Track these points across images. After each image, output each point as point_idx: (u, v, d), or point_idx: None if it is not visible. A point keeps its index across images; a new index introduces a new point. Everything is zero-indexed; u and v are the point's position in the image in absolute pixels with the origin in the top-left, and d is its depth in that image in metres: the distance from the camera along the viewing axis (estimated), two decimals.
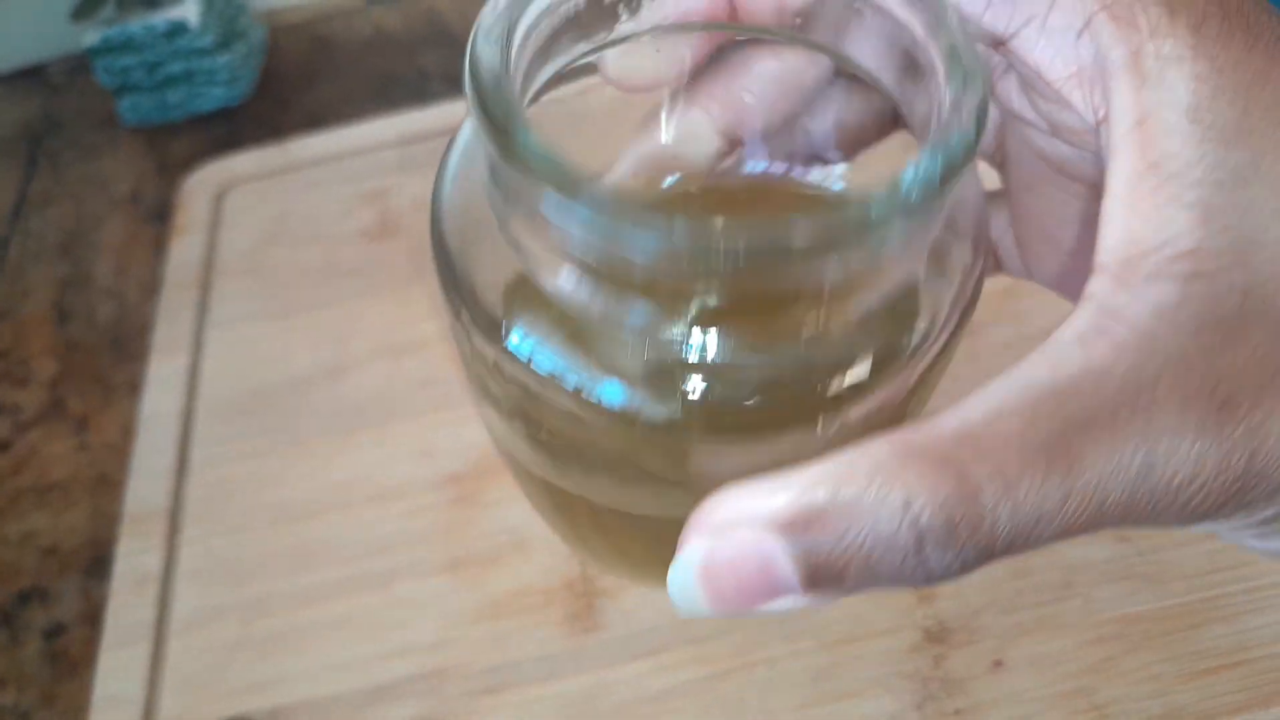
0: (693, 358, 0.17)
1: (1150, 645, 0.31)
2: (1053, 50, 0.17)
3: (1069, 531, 0.15)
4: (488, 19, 0.17)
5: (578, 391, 0.17)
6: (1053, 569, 0.33)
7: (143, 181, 0.55)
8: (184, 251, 0.49)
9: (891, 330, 0.18)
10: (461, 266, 0.19)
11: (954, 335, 0.19)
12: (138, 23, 0.54)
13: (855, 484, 0.14)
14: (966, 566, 0.14)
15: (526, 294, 0.17)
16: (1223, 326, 0.15)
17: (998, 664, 0.31)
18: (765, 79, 0.20)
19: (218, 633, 0.36)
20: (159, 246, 0.50)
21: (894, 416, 0.19)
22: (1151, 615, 0.31)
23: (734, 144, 0.21)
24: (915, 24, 0.17)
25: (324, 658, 0.35)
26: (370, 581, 0.36)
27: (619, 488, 0.21)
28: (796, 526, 0.14)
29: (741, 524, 0.14)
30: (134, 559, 0.38)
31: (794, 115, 0.21)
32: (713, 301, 0.16)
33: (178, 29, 0.54)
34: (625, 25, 0.19)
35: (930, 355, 0.18)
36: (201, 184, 0.51)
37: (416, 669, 0.34)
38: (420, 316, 0.44)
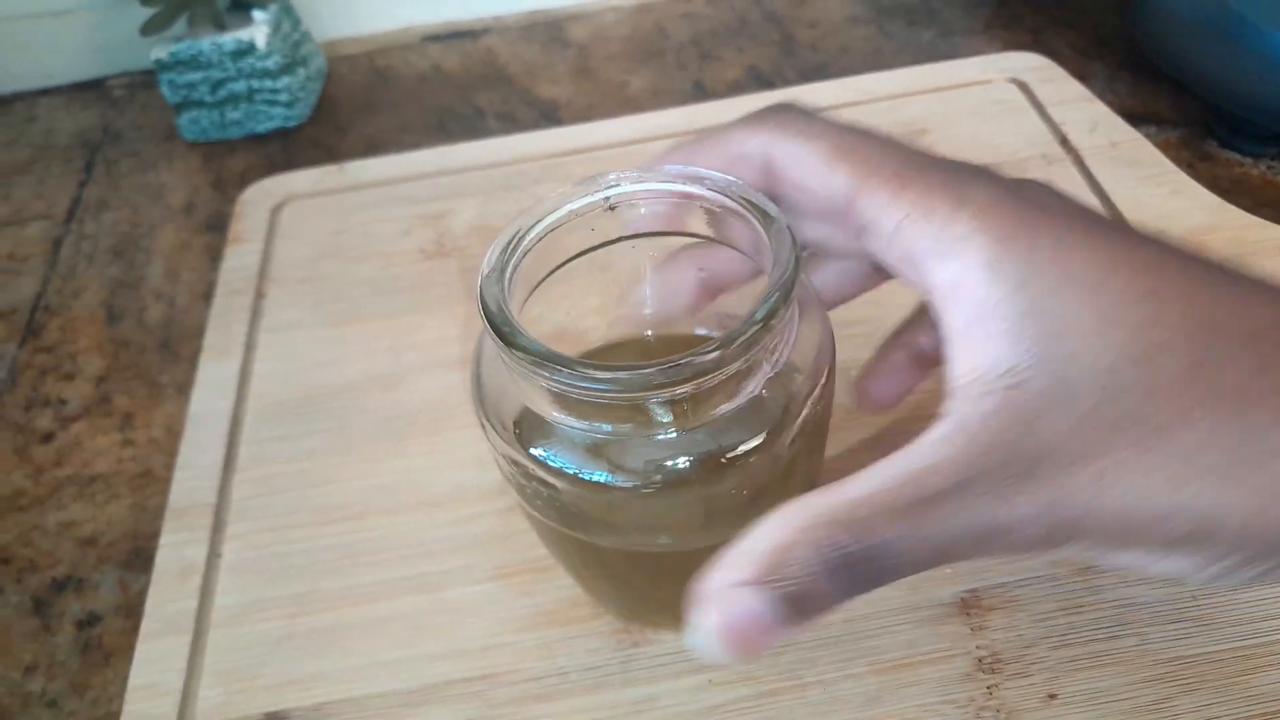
0: (639, 447, 0.27)
1: (1205, 687, 0.31)
2: (881, 246, 0.25)
3: (928, 564, 0.22)
4: (487, 265, 0.27)
5: (574, 474, 0.27)
6: (1106, 606, 0.33)
7: (197, 193, 0.56)
8: (239, 258, 0.49)
9: (762, 418, 0.27)
10: (490, 397, 0.28)
11: (811, 422, 0.28)
12: (206, 40, 0.55)
13: (794, 545, 0.21)
14: (865, 586, 0.22)
15: (530, 420, 0.27)
16: (1027, 419, 0.21)
17: (1052, 697, 0.31)
18: (714, 261, 0.31)
19: (260, 627, 0.35)
20: (211, 255, 0.51)
21: (785, 473, 0.28)
22: (1205, 658, 0.31)
23: (691, 308, 0.32)
24: (759, 228, 0.27)
25: (369, 657, 0.34)
26: (418, 584, 0.36)
27: (609, 532, 0.29)
28: (763, 581, 0.21)
29: (727, 592, 0.22)
30: (177, 550, 0.38)
31: (721, 289, 0.31)
32: (647, 412, 0.26)
33: (245, 49, 0.56)
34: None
35: (793, 433, 0.27)
36: (260, 195, 0.52)
37: (463, 672, 0.34)
38: (473, 334, 0.44)
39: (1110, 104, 0.52)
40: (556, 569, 0.36)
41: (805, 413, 0.27)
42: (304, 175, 0.54)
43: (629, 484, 0.27)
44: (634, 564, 0.31)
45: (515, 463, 0.28)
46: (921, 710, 0.31)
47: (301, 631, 0.35)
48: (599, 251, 0.31)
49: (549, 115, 0.60)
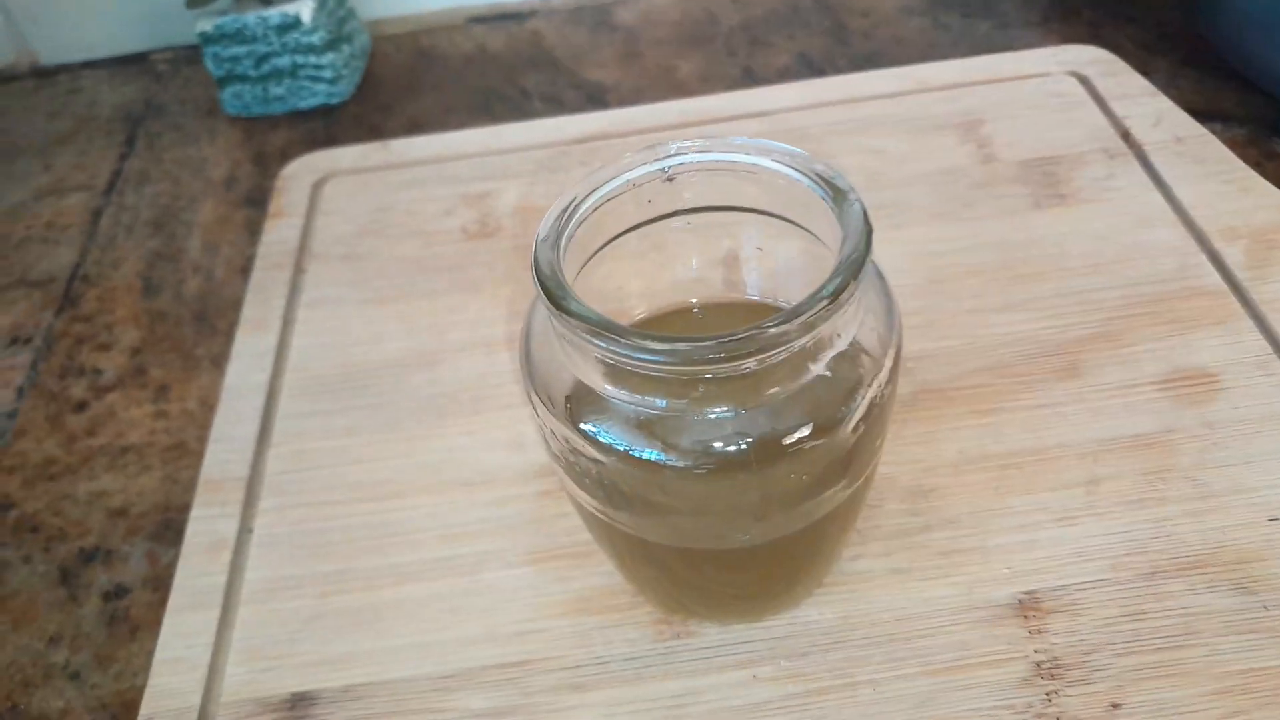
0: (694, 426, 0.25)
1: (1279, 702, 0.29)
2: None
3: None
4: (543, 230, 0.26)
5: (625, 451, 0.26)
6: (1172, 614, 0.31)
7: (238, 168, 0.55)
8: (279, 233, 0.49)
9: (823, 403, 0.26)
10: (540, 370, 0.27)
11: (873, 410, 0.26)
12: (252, 14, 0.55)
13: None
14: None
15: (581, 394, 0.26)
16: None
17: (1115, 707, 0.30)
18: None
19: (291, 604, 0.35)
20: (251, 230, 0.50)
21: (842, 464, 0.27)
22: None
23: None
24: (828, 204, 0.27)
25: (402, 639, 0.33)
26: (454, 566, 0.35)
27: (659, 520, 0.28)
28: None
29: None
30: (208, 523, 0.37)
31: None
32: (701, 386, 0.25)
33: (290, 23, 0.55)
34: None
35: (853, 421, 0.26)
36: (302, 170, 0.52)
37: (498, 658, 0.32)
38: (515, 315, 0.43)
39: (1173, 100, 0.50)
40: (594, 555, 0.34)
41: (870, 396, 0.26)
42: (347, 152, 0.53)
43: (682, 463, 0.25)
44: (681, 551, 0.30)
45: (564, 439, 0.27)
46: (976, 714, 0.30)
47: (333, 610, 0.34)
48: (653, 226, 0.30)
49: (596, 98, 0.59)
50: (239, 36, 0.56)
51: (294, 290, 0.46)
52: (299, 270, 0.47)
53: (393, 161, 0.52)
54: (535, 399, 0.27)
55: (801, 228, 0.28)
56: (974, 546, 0.34)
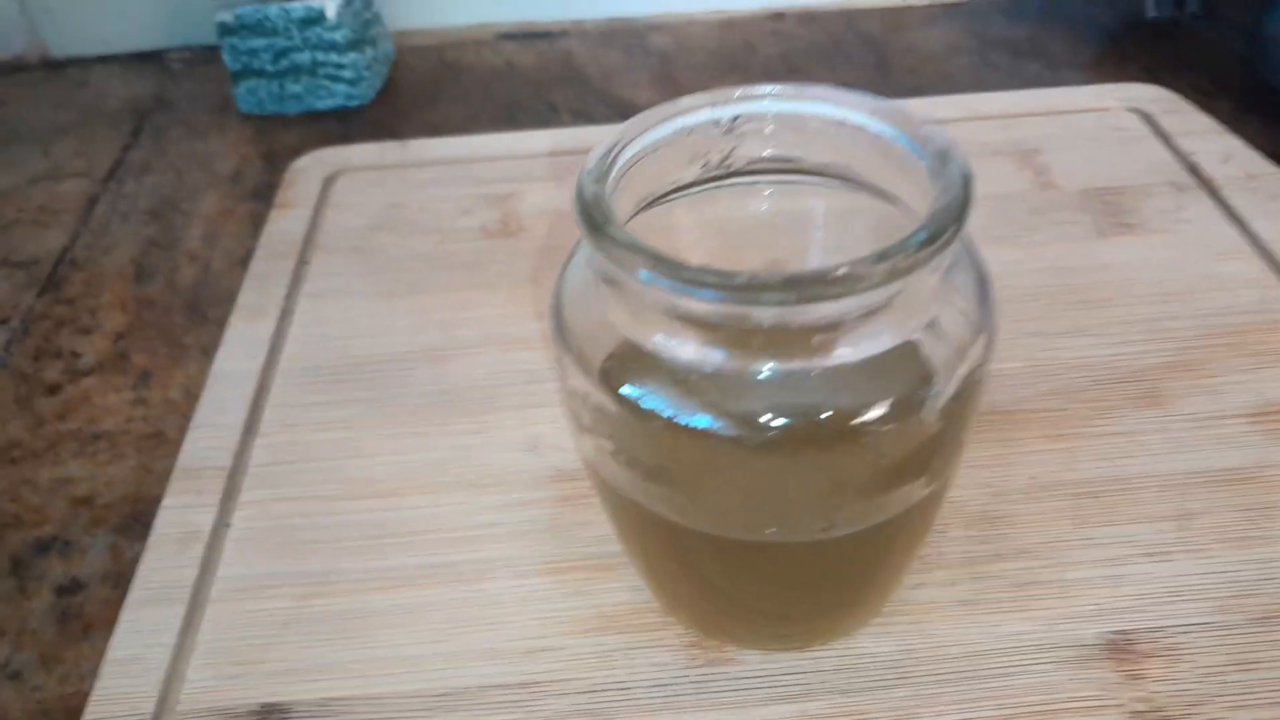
0: (751, 389, 0.21)
1: None
2: None
3: None
4: (590, 163, 0.23)
5: (670, 418, 0.21)
6: None
7: (247, 164, 0.52)
8: (285, 223, 0.45)
9: (903, 381, 0.22)
10: (574, 330, 0.24)
11: (961, 397, 0.22)
12: (275, 5, 0.52)
13: None
14: None
15: (621, 357, 0.22)
16: None
17: None
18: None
19: (267, 605, 0.30)
20: (255, 223, 0.47)
21: (922, 454, 0.23)
22: None
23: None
24: (921, 164, 0.23)
25: (391, 650, 0.29)
26: (457, 573, 0.31)
27: (702, 505, 0.24)
28: None
29: None
30: (181, 513, 0.33)
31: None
32: (767, 345, 0.21)
33: (314, 17, 0.53)
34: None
35: (938, 404, 0.22)
36: (313, 164, 0.48)
37: (502, 677, 0.28)
38: (536, 316, 0.40)
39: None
40: (619, 568, 0.30)
41: (962, 375, 0.22)
42: (363, 148, 0.50)
43: (734, 433, 0.21)
44: (724, 553, 0.25)
45: (598, 409, 0.23)
46: None
47: (314, 615, 0.30)
48: (711, 188, 0.27)
49: (627, 115, 0.57)
50: (259, 28, 0.53)
51: (296, 280, 0.42)
52: (302, 262, 0.43)
53: (411, 160, 0.49)
54: (566, 359, 0.24)
55: (887, 196, 0.25)
56: (1052, 579, 0.29)
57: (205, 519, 0.33)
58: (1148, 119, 0.49)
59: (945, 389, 0.22)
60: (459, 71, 0.59)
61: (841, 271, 0.20)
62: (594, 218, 0.21)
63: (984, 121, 0.49)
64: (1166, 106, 0.50)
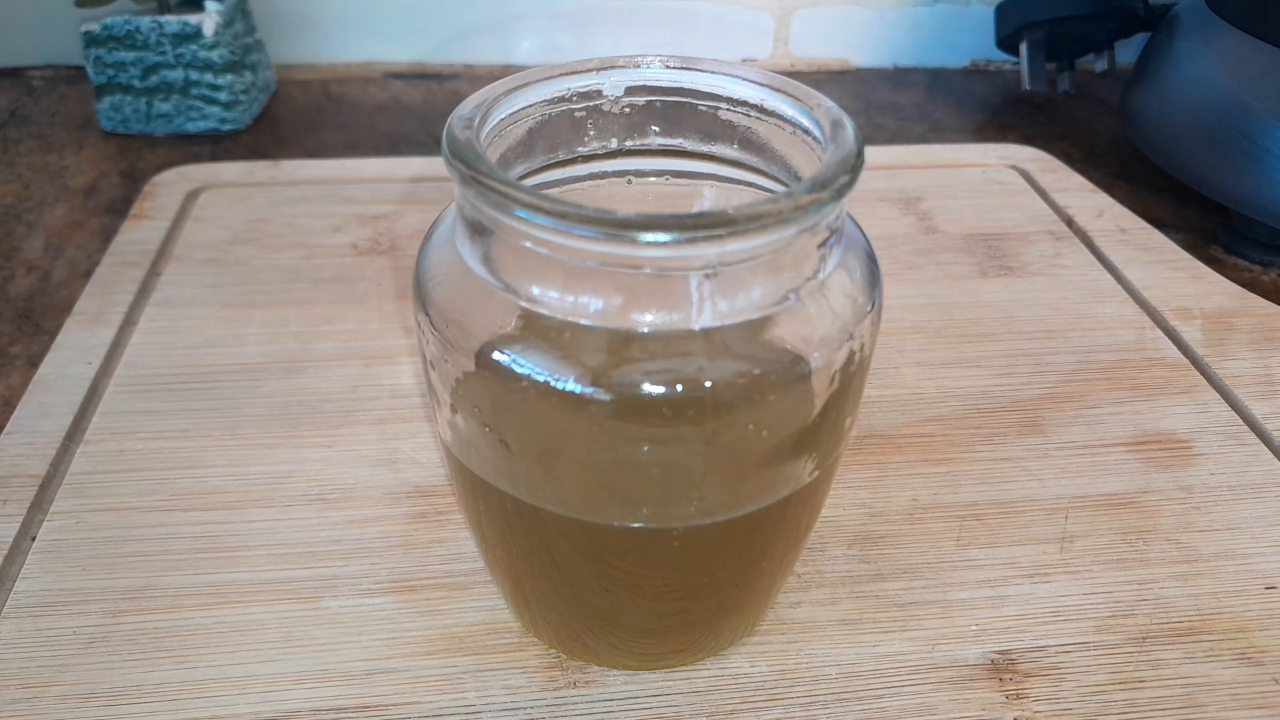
0: (630, 350, 0.20)
1: None
2: None
3: None
4: (465, 109, 0.22)
5: (543, 381, 0.20)
6: (1172, 684, 0.26)
7: (103, 179, 0.49)
8: (137, 233, 0.42)
9: (787, 353, 0.20)
10: (437, 290, 0.22)
11: (846, 373, 0.21)
12: (147, 17, 0.50)
13: None
14: None
15: (489, 321, 0.21)
16: None
17: None
18: None
19: (69, 623, 0.26)
20: (105, 237, 0.44)
21: (805, 435, 0.22)
22: None
23: None
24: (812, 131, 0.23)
25: (210, 670, 0.25)
26: (293, 590, 0.27)
27: (570, 483, 0.22)
28: None
29: None
30: None
31: None
32: (643, 292, 0.19)
33: (190, 33, 0.50)
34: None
35: (824, 379, 0.21)
36: (176, 179, 0.46)
37: (336, 700, 0.25)
38: (404, 332, 0.37)
39: None
40: (473, 586, 0.28)
41: (847, 352, 0.21)
42: (232, 166, 0.47)
43: (610, 396, 0.20)
44: (594, 543, 0.23)
45: (465, 379, 0.21)
46: None
47: (125, 632, 0.26)
48: (588, 181, 0.26)
49: None
50: (128, 40, 0.50)
51: (145, 289, 0.39)
52: (153, 273, 0.40)
53: (281, 179, 0.47)
54: (425, 319, 0.21)
55: (772, 177, 0.24)
56: (934, 599, 0.28)
57: (7, 530, 0.29)
58: (1026, 176, 0.50)
59: (831, 362, 0.21)
60: (342, 104, 0.57)
61: (731, 211, 0.18)
62: (466, 157, 0.20)
63: (868, 171, 0.50)
64: (1044, 166, 0.51)
